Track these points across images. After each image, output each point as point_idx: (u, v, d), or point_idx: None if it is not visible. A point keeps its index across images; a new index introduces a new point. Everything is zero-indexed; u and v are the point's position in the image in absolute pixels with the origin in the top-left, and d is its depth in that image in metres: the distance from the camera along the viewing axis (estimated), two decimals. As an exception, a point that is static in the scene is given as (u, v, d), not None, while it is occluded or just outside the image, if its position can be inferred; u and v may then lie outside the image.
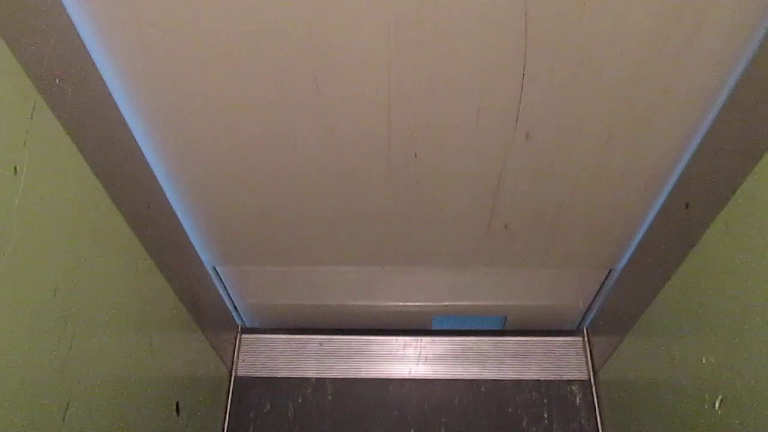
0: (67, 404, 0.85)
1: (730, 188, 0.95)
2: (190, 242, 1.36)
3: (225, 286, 1.61)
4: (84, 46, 0.87)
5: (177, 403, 1.29)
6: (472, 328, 1.78)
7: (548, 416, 1.66)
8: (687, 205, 1.09)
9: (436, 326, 1.80)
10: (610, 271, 1.49)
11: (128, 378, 1.06)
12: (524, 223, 1.32)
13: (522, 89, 0.98)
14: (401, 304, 1.69)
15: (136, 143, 1.05)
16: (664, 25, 0.87)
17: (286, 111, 1.02)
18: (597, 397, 1.66)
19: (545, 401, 1.68)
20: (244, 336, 1.78)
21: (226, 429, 1.64)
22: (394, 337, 1.77)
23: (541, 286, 1.61)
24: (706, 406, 1.03)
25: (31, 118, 0.75)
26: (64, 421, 0.84)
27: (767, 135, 0.85)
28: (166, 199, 1.20)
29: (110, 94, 0.95)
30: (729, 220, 0.97)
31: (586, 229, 1.34)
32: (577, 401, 1.67)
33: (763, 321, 0.88)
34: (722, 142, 0.98)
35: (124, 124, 1.00)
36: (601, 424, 1.63)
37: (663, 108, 1.01)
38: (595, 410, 1.65)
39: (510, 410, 1.67)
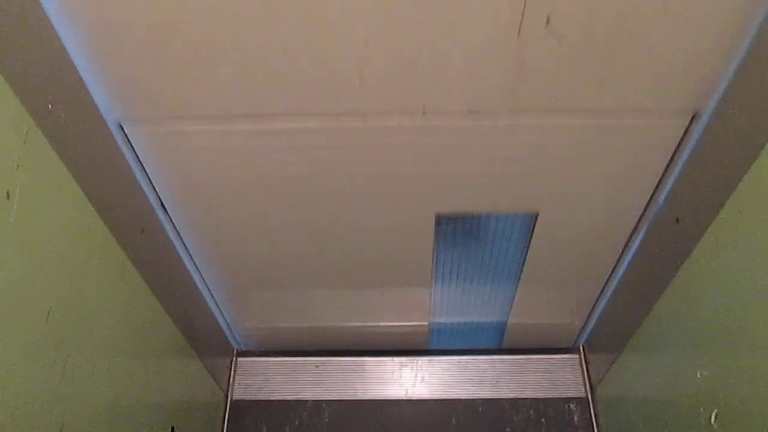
0: (61, 429, 0.85)
1: (718, 201, 0.95)
2: (185, 266, 1.36)
3: (220, 310, 1.61)
4: (77, 72, 0.88)
5: (172, 428, 1.28)
6: (469, 347, 1.77)
7: (546, 435, 1.65)
8: (677, 220, 1.10)
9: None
10: (693, 117, 1.00)
11: (123, 402, 1.06)
12: (578, 23, 0.85)
13: None
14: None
15: (130, 169, 1.06)
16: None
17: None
18: (595, 415, 1.65)
19: (543, 420, 1.67)
20: (239, 359, 1.78)
21: (222, 453, 1.63)
22: (391, 358, 1.76)
23: (592, 153, 1.08)
24: (702, 421, 1.03)
25: (24, 143, 0.76)
26: (57, 446, 0.84)
27: (754, 147, 0.86)
28: (160, 223, 1.21)
29: (103, 119, 0.96)
30: (718, 233, 0.97)
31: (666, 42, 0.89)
32: (575, 419, 1.66)
33: (756, 333, 0.88)
34: (710, 156, 0.99)
35: (117, 149, 1.01)
36: (600, 441, 1.62)
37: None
38: (593, 427, 1.64)
39: (508, 429, 1.66)
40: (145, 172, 1.10)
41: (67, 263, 0.87)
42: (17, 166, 0.75)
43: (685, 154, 1.06)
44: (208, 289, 1.51)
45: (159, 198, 1.17)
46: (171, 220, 1.22)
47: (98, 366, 0.96)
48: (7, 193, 0.73)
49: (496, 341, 1.78)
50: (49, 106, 0.81)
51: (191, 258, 1.37)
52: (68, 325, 0.87)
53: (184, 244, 1.32)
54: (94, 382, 0.95)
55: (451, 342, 1.78)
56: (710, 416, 1.00)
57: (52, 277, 0.83)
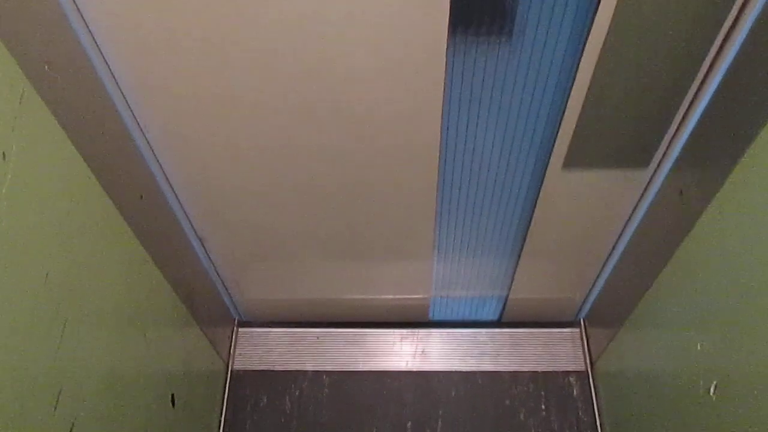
0: (59, 393, 0.85)
1: (723, 173, 0.94)
2: (186, 235, 1.35)
3: (221, 280, 1.61)
4: (74, 33, 0.86)
5: (172, 396, 1.29)
6: (470, 320, 1.77)
7: (545, 408, 1.65)
8: (681, 192, 1.09)
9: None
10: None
11: (122, 369, 1.06)
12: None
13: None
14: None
15: (129, 133, 1.05)
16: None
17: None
18: (594, 388, 1.66)
19: (542, 393, 1.67)
20: (240, 330, 1.78)
21: (222, 422, 1.63)
22: (391, 330, 1.77)
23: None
24: (701, 392, 1.03)
25: (20, 104, 0.75)
26: (55, 410, 0.84)
27: (758, 118, 0.85)
28: (160, 190, 1.20)
29: (102, 82, 0.95)
30: (722, 205, 0.96)
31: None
32: (575, 392, 1.67)
33: (758, 304, 0.87)
34: (715, 127, 0.98)
35: (116, 113, 1.00)
36: (599, 414, 1.62)
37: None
38: (592, 401, 1.65)
39: (507, 402, 1.66)
40: (144, 136, 1.09)
41: (65, 227, 0.86)
42: (13, 128, 0.74)
43: (690, 124, 1.05)
44: (209, 259, 1.50)
45: (159, 163, 1.16)
46: (171, 186, 1.22)
47: (97, 332, 0.96)
48: (3, 154, 0.72)
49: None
50: (46, 67, 0.80)
51: (192, 226, 1.37)
52: (66, 289, 0.86)
53: (185, 212, 1.31)
54: (93, 347, 0.95)
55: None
56: (710, 388, 1.00)
57: (49, 239, 0.82)
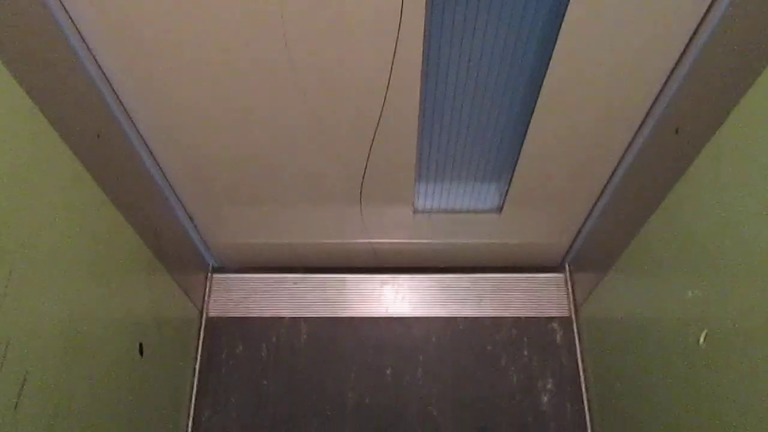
0: (7, 344, 0.79)
1: (722, 112, 0.88)
2: (151, 177, 1.27)
3: (194, 224, 1.54)
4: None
5: (140, 345, 1.23)
6: (452, 266, 1.72)
7: (528, 354, 1.62)
8: (677, 131, 1.03)
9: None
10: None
11: (81, 318, 0.99)
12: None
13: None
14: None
15: (82, 64, 0.96)
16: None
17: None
18: (578, 335, 1.63)
19: (525, 339, 1.64)
20: (215, 276, 1.72)
21: (197, 370, 1.59)
22: (371, 275, 1.71)
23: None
24: (690, 341, 0.98)
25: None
26: (2, 364, 0.78)
27: (762, 57, 0.78)
28: (121, 128, 1.11)
29: (48, 6, 0.85)
30: (720, 145, 0.90)
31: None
32: (558, 339, 1.64)
33: (752, 250, 0.82)
34: (716, 64, 0.91)
35: (65, 40, 0.91)
36: (582, 361, 1.60)
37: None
38: (575, 348, 1.62)
39: (489, 348, 1.63)
40: (99, 67, 1.00)
41: (9, 166, 0.78)
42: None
43: (690, 58, 0.97)
44: (180, 202, 1.43)
45: (118, 98, 1.07)
46: (133, 123, 1.13)
47: (50, 279, 0.89)
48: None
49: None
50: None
51: (159, 168, 1.29)
52: (12, 232, 0.79)
53: (151, 153, 1.23)
54: (46, 296, 0.89)
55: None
56: (699, 337, 0.95)
57: (-13, 180, 0.74)
